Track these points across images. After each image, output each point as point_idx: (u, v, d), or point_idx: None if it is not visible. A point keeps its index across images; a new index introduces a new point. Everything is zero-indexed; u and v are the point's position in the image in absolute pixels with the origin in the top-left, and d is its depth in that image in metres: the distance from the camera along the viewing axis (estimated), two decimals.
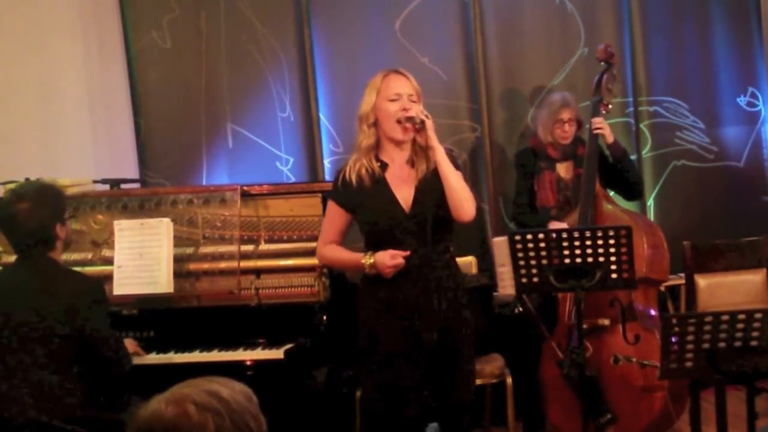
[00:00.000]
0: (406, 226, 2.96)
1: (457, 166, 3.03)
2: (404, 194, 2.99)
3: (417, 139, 3.02)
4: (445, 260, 3.03)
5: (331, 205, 3.10)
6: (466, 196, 2.96)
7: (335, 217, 3.08)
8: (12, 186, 3.73)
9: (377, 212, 3.00)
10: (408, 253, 2.93)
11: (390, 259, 2.92)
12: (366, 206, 3.02)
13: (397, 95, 2.98)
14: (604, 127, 3.98)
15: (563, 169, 4.14)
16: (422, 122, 2.93)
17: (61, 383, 2.83)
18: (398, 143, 3.02)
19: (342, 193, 3.05)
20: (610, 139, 4.01)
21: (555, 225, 3.92)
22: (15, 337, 2.83)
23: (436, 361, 2.99)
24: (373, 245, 3.01)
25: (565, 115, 4.08)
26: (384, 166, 3.03)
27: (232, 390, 1.37)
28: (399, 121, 2.97)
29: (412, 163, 3.02)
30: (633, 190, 4.20)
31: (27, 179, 3.87)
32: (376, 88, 3.01)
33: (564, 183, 4.11)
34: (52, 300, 2.82)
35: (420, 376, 2.98)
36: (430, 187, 2.97)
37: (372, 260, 2.96)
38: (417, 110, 2.96)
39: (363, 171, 3.01)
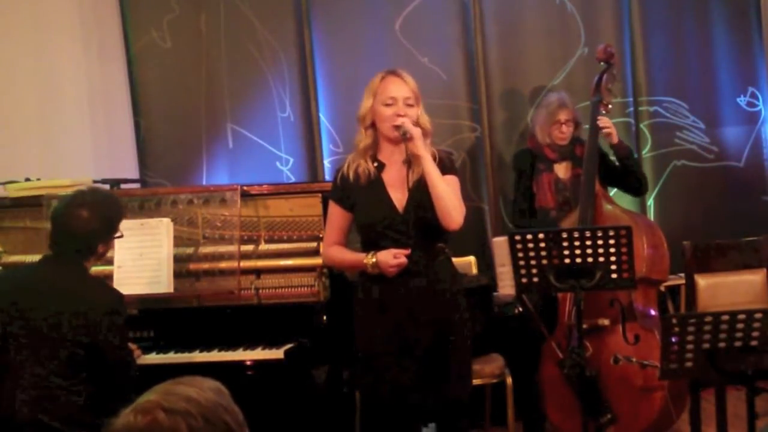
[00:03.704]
0: (399, 227, 2.97)
1: (454, 171, 3.05)
2: (399, 195, 3.01)
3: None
4: (440, 261, 3.04)
5: (331, 204, 3.12)
6: (453, 206, 2.95)
7: (336, 216, 3.10)
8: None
9: (371, 212, 3.02)
10: (409, 251, 2.94)
11: (393, 258, 2.92)
12: (361, 205, 3.04)
13: (392, 99, 2.98)
14: (611, 126, 3.98)
15: (561, 170, 4.14)
16: (405, 133, 2.93)
17: (67, 386, 2.82)
18: (395, 144, 3.03)
19: (340, 191, 3.07)
20: (615, 139, 4.01)
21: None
22: (28, 336, 2.82)
23: (429, 362, 2.99)
24: (368, 244, 3.03)
25: (563, 116, 4.08)
26: (381, 166, 3.05)
27: (200, 388, 1.37)
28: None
29: (409, 164, 3.01)
30: (638, 187, 4.21)
31: (27, 179, 3.88)
32: (373, 90, 3.02)
33: (562, 183, 4.11)
34: (73, 305, 2.82)
35: (412, 376, 2.98)
36: (426, 189, 2.96)
37: (374, 260, 2.96)
38: (407, 120, 2.94)
39: (360, 170, 3.04)
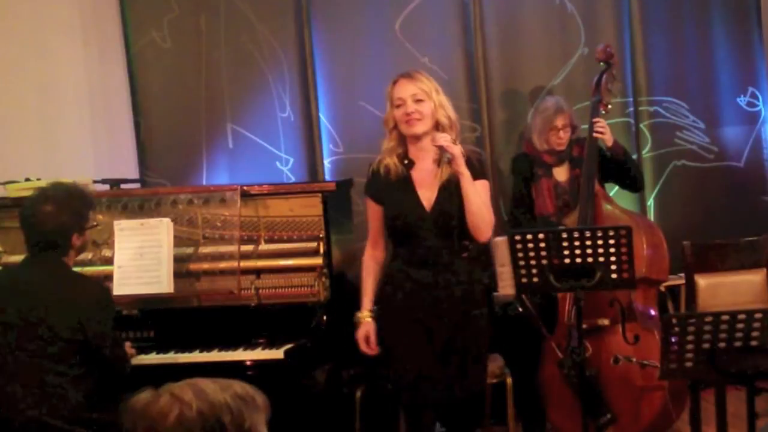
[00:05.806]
0: (426, 225, 3.09)
1: (484, 174, 3.18)
2: (427, 193, 3.13)
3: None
4: (464, 258, 3.16)
5: (367, 200, 3.27)
6: (484, 221, 3.11)
7: (372, 211, 3.26)
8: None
9: (399, 208, 3.15)
10: (376, 351, 3.15)
11: (363, 340, 3.18)
12: (389, 201, 3.17)
13: (400, 100, 3.13)
14: (605, 130, 3.96)
15: (560, 173, 4.12)
16: (448, 159, 3.05)
17: (63, 384, 2.83)
18: (421, 142, 3.14)
19: (373, 186, 3.23)
20: (610, 142, 4.00)
21: None
22: (19, 336, 2.83)
23: (447, 355, 3.10)
24: (395, 240, 3.19)
25: (560, 122, 4.07)
26: (411, 164, 3.17)
27: (222, 388, 1.39)
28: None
29: (438, 163, 3.13)
30: (635, 184, 4.21)
31: (27, 179, 3.88)
32: (389, 96, 3.18)
33: (562, 188, 4.09)
34: (59, 302, 2.83)
35: (427, 370, 3.09)
36: (454, 190, 3.10)
37: (360, 320, 3.22)
38: (444, 138, 3.06)
39: (390, 167, 3.17)
